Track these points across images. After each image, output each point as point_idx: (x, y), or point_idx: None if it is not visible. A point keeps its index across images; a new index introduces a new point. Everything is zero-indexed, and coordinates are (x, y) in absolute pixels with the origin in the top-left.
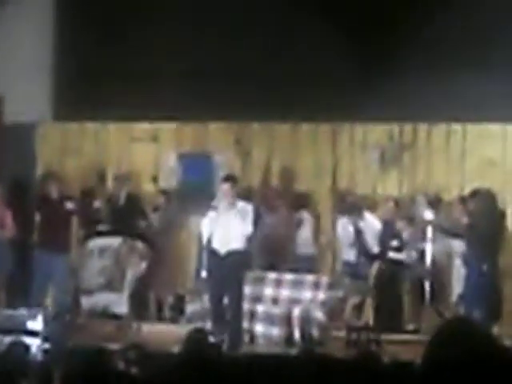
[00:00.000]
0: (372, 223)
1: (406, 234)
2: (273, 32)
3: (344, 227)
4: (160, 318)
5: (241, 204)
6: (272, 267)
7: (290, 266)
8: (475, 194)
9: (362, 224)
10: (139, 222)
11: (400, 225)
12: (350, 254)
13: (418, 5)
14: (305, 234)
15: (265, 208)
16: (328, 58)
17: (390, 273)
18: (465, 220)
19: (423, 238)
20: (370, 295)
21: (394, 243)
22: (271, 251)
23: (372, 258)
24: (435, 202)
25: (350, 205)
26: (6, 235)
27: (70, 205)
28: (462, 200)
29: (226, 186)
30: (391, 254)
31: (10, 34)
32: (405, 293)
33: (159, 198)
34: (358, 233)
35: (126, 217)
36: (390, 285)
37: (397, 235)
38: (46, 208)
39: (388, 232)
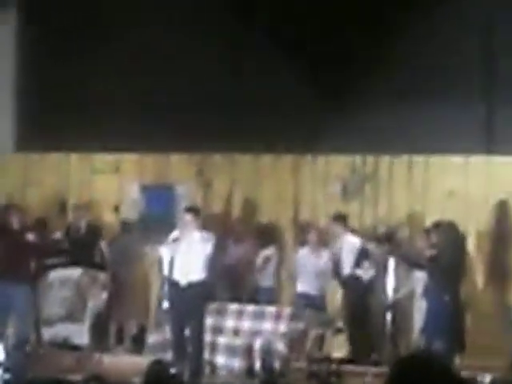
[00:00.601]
0: (351, 241)
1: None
2: (234, 63)
3: (304, 258)
4: (121, 349)
5: (202, 235)
6: (233, 299)
7: (251, 297)
8: (437, 225)
9: (339, 243)
10: (99, 253)
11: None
12: (308, 286)
13: (379, 37)
14: (269, 266)
15: (229, 239)
16: (290, 89)
17: (355, 302)
18: (427, 252)
19: (385, 269)
20: (331, 327)
21: (366, 265)
22: (233, 283)
23: (342, 282)
24: (396, 234)
25: (336, 216)
26: None
27: (30, 236)
28: (425, 231)
29: (187, 217)
30: (359, 272)
31: None
32: (368, 324)
33: (120, 228)
34: (334, 255)
35: (87, 247)
36: (356, 315)
37: (368, 256)
38: (6, 239)
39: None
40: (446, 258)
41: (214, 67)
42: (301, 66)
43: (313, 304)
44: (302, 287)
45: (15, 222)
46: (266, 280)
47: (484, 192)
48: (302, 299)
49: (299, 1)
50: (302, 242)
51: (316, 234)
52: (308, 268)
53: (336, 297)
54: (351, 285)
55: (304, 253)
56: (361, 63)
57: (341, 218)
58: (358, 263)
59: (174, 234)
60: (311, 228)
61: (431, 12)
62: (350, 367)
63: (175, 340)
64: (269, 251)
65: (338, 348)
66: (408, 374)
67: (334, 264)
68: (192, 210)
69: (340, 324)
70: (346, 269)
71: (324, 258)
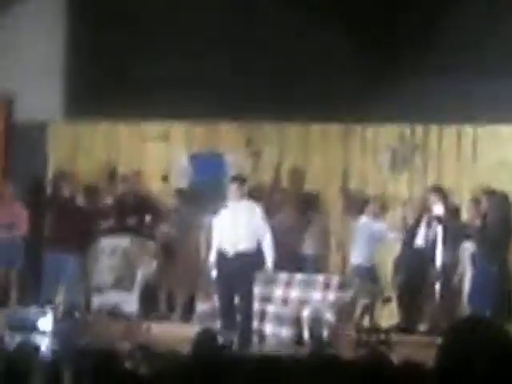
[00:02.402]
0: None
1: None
2: (283, 33)
3: (365, 225)
4: (170, 318)
5: (249, 204)
6: (280, 267)
7: (298, 266)
8: (487, 195)
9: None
10: (150, 222)
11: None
12: (362, 255)
13: (428, 7)
14: (314, 234)
15: (273, 208)
16: (338, 59)
17: (412, 272)
18: (477, 221)
19: (435, 237)
20: (380, 296)
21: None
22: (279, 252)
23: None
24: (447, 203)
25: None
26: (21, 234)
27: (81, 203)
28: (475, 201)
29: (233, 186)
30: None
31: (20, 34)
32: (417, 293)
33: (170, 197)
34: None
35: (136, 216)
36: (410, 284)
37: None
38: (57, 207)
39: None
40: (495, 227)
41: (261, 36)
42: (350, 35)
43: (366, 273)
44: (355, 257)
45: (66, 190)
46: (310, 248)
47: None
48: (356, 268)
49: None
50: (359, 210)
51: (374, 205)
52: (366, 236)
53: (386, 266)
54: (418, 254)
55: (363, 221)
56: (410, 32)
57: (439, 190)
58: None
59: (223, 202)
60: (371, 199)
61: None
62: (398, 336)
63: (224, 309)
64: (308, 217)
65: (388, 317)
66: (465, 336)
67: (409, 234)
68: (238, 179)
69: (389, 293)
70: (421, 239)
71: (385, 227)
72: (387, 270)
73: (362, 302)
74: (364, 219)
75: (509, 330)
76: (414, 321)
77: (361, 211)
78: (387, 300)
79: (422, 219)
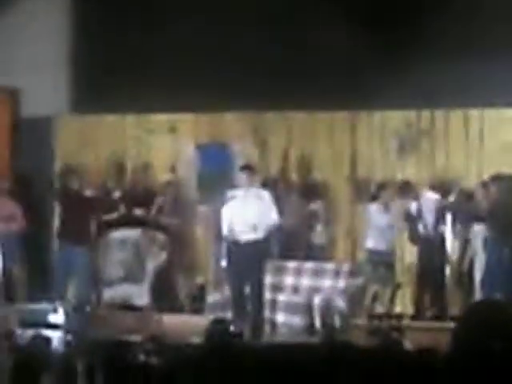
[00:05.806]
0: (430, 198)
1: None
2: (288, 21)
3: (375, 213)
4: (181, 309)
5: (258, 191)
6: (289, 256)
7: (307, 254)
8: (495, 178)
9: (419, 202)
10: (158, 213)
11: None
12: (375, 241)
13: None
14: (322, 222)
15: (281, 197)
16: (344, 45)
17: (426, 258)
18: (485, 204)
19: (443, 222)
20: (391, 283)
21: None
22: (289, 240)
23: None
24: (454, 188)
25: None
26: (17, 229)
27: (89, 197)
28: (483, 184)
29: (243, 175)
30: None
31: (26, 26)
32: (429, 279)
33: (177, 188)
34: (415, 213)
35: (145, 208)
36: (424, 270)
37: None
38: (65, 201)
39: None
40: (504, 210)
41: (266, 25)
42: (354, 21)
43: (380, 257)
44: (369, 240)
45: (73, 183)
46: (319, 236)
47: None
48: (369, 252)
49: None
50: (373, 197)
51: (391, 192)
52: (376, 224)
53: (401, 252)
54: (429, 241)
55: (374, 208)
56: (415, 17)
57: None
58: (439, 220)
59: (232, 192)
60: (387, 185)
61: None
62: (411, 323)
63: (235, 298)
64: (315, 205)
65: (399, 304)
66: (481, 319)
67: (411, 221)
68: (247, 167)
69: (399, 279)
70: (427, 226)
71: (394, 214)
72: (405, 256)
73: (373, 288)
74: (373, 208)
75: None
76: (425, 306)
77: (372, 198)
78: (398, 286)
79: (430, 204)
